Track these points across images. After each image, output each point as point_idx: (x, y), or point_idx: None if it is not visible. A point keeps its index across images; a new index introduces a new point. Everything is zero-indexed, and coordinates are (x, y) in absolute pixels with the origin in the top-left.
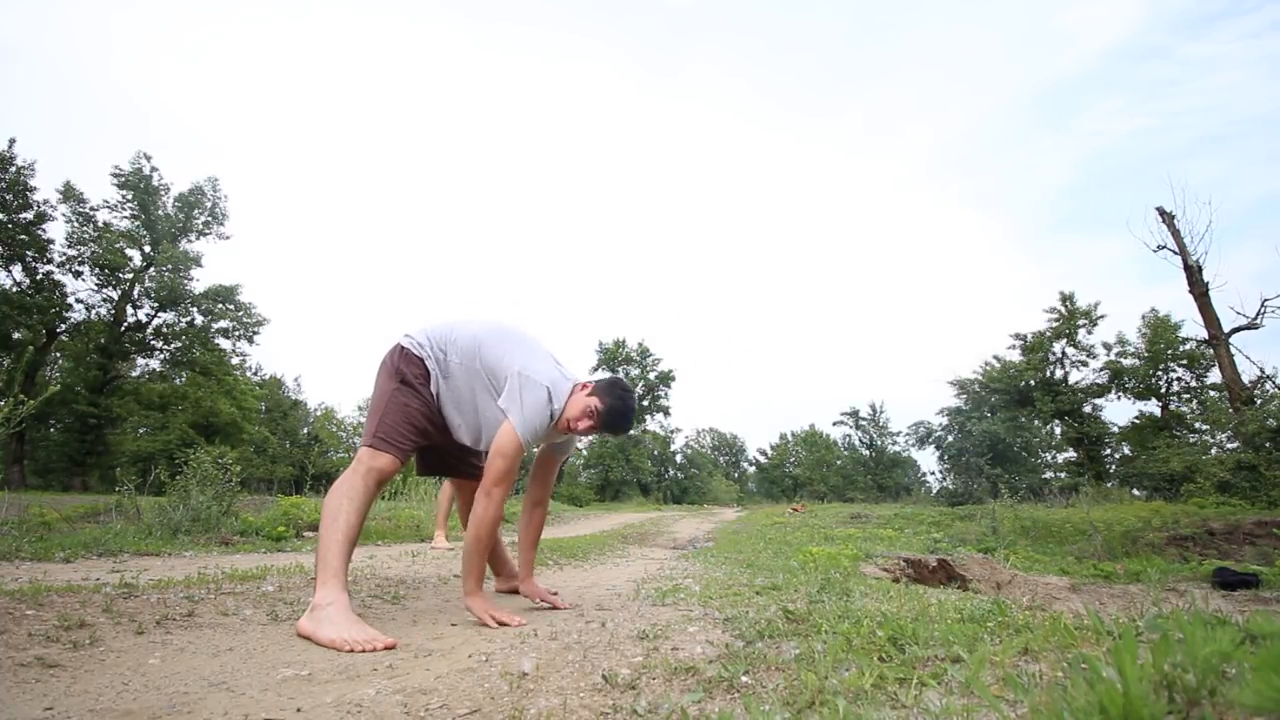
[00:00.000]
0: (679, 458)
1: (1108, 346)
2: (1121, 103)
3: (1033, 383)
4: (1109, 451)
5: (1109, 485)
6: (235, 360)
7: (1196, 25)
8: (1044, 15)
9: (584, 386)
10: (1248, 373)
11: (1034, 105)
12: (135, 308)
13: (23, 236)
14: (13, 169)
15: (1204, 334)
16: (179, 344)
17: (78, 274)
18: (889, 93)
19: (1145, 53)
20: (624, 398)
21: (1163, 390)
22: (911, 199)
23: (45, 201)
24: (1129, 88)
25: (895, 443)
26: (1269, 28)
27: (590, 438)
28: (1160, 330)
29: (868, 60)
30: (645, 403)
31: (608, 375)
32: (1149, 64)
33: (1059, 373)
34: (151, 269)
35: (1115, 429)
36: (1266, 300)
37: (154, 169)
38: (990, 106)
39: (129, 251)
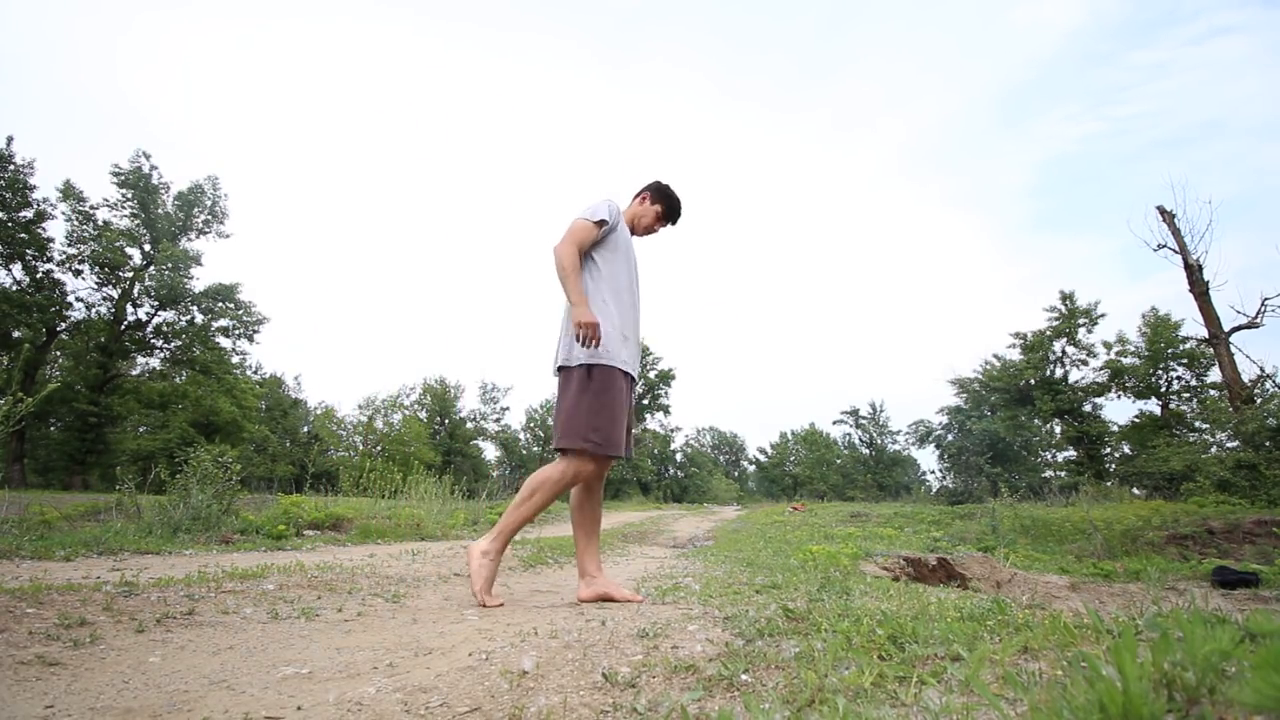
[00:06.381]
0: (679, 456)
1: (1108, 345)
2: (1074, 109)
3: (1033, 381)
4: (1109, 450)
5: (1109, 484)
6: (235, 359)
7: (1141, 31)
8: (995, 14)
9: (640, 200)
10: (1248, 372)
11: (997, 107)
12: (135, 306)
13: (22, 235)
14: (11, 167)
15: (1204, 333)
16: (179, 342)
17: (78, 272)
18: (859, 90)
19: (1093, 59)
20: (669, 187)
21: (1163, 389)
22: (898, 197)
23: (45, 200)
24: (1080, 94)
25: (895, 441)
26: (1209, 34)
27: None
28: (1160, 329)
29: (838, 59)
30: (645, 401)
31: (652, 184)
32: (1097, 70)
33: (1059, 371)
34: (151, 267)
35: (1115, 428)
36: (1267, 299)
37: (154, 168)
38: (956, 108)
39: (129, 250)
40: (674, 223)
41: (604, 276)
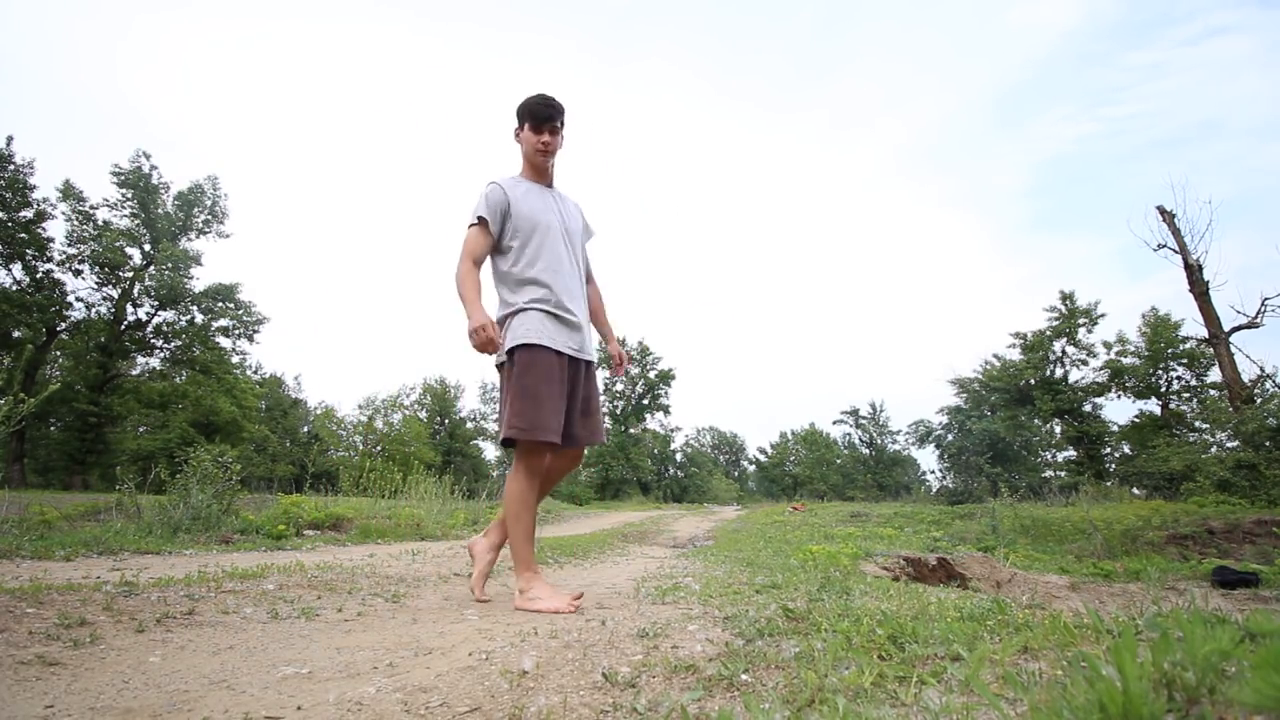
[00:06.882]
0: (679, 456)
1: (1108, 345)
2: (1071, 109)
3: (1033, 381)
4: (1109, 450)
5: (1109, 484)
6: (235, 359)
7: (1136, 32)
8: (991, 14)
9: (515, 140)
10: (1248, 371)
11: (994, 108)
12: (135, 306)
13: (22, 235)
14: (11, 167)
15: (1204, 333)
16: (179, 342)
17: (78, 272)
18: (856, 90)
19: (1089, 60)
20: (523, 101)
21: (1163, 389)
22: (896, 197)
23: (45, 200)
24: (1077, 94)
25: (895, 441)
26: (1206, 34)
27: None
28: (1160, 329)
29: (835, 59)
30: (645, 401)
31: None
32: (1093, 71)
33: (1059, 371)
34: (151, 267)
35: (1115, 428)
36: (1267, 299)
37: (153, 167)
38: (954, 108)
39: (129, 250)
40: (548, 119)
41: (521, 263)
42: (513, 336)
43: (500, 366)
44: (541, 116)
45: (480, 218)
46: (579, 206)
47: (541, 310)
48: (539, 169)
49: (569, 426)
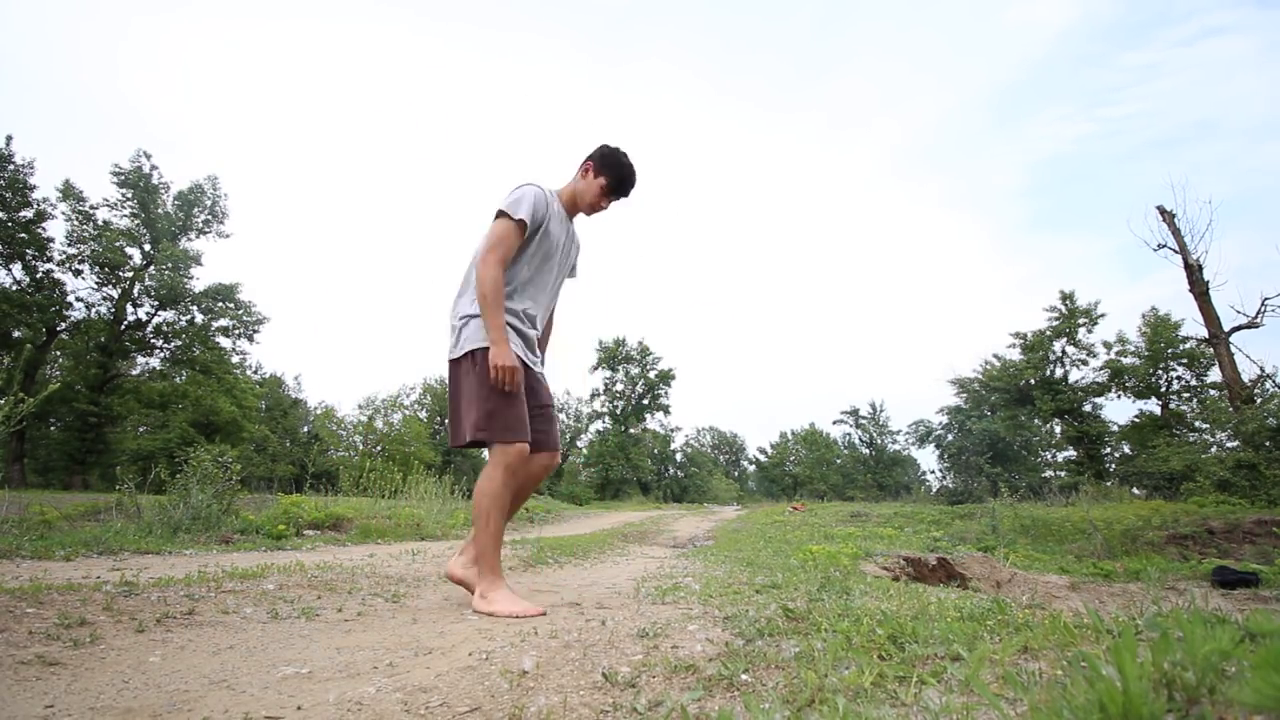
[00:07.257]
0: (679, 456)
1: (1108, 345)
2: (1068, 109)
3: (1033, 381)
4: (1109, 450)
5: (1109, 484)
6: (235, 359)
7: (1132, 33)
8: (988, 14)
9: (582, 173)
10: (1248, 371)
11: (991, 108)
12: (135, 306)
13: (22, 235)
14: (11, 167)
15: (1204, 333)
16: (179, 342)
17: (78, 272)
18: (854, 90)
19: (1085, 60)
20: (618, 152)
21: (1163, 389)
22: (895, 197)
23: (45, 200)
24: (1074, 94)
25: (895, 441)
26: (1201, 35)
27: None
28: (1160, 329)
29: (833, 59)
30: (645, 401)
31: (596, 151)
32: (1090, 71)
33: (1059, 371)
34: (151, 267)
35: (1115, 428)
36: (1267, 299)
37: (154, 167)
38: (951, 108)
39: (129, 250)
40: (624, 195)
41: (519, 278)
42: (482, 338)
43: (457, 361)
44: (621, 191)
45: (522, 220)
46: (580, 247)
47: (511, 324)
48: (576, 210)
49: (537, 431)
